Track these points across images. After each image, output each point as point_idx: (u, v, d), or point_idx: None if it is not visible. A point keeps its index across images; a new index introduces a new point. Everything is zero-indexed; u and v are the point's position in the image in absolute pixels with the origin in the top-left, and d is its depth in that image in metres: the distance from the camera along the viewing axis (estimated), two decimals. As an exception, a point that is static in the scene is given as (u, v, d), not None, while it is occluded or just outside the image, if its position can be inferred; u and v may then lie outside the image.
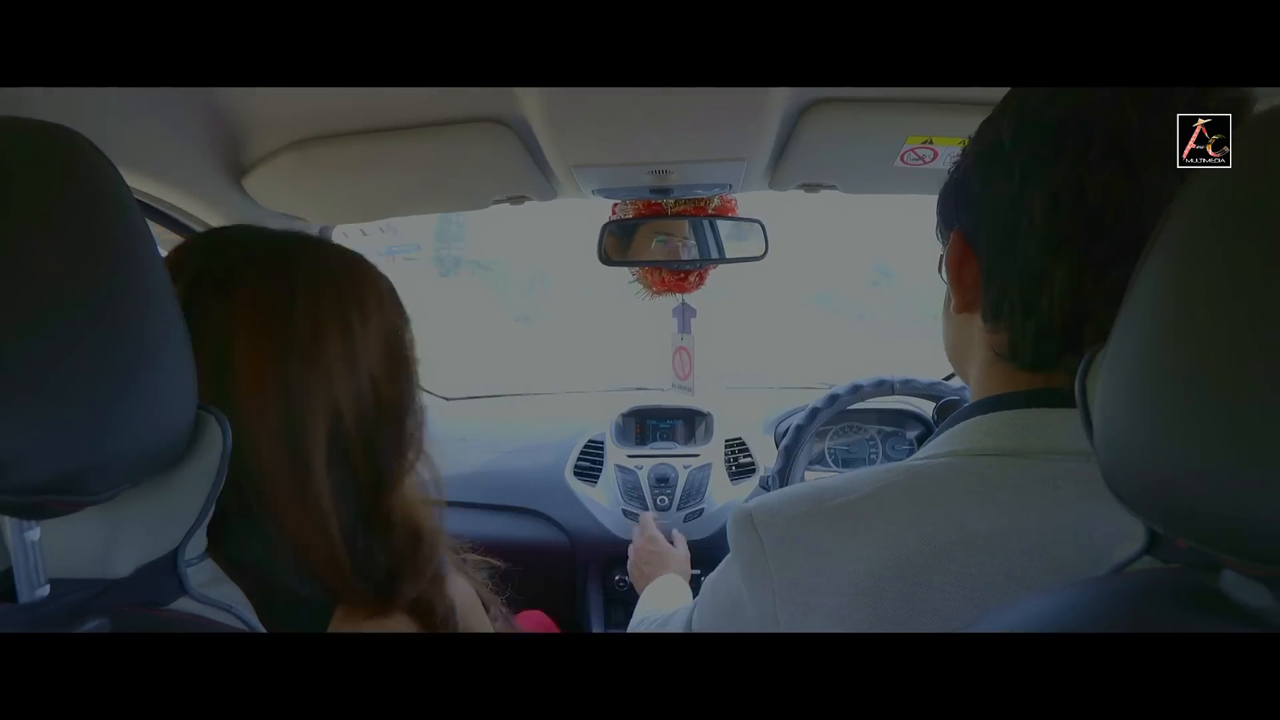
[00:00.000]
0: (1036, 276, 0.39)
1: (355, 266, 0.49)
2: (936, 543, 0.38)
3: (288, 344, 0.43)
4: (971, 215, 0.44)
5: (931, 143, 0.82)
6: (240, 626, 0.39)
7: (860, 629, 0.38)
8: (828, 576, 0.40)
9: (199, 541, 0.39)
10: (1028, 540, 0.37)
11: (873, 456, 1.43)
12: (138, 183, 0.81)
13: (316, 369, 0.44)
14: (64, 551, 0.34)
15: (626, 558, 1.27)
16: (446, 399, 1.72)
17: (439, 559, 0.50)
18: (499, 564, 0.65)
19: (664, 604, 0.87)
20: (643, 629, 0.74)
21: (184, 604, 0.37)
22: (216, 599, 0.39)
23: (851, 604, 0.39)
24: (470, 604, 0.53)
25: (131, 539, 0.36)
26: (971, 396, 0.47)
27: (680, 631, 0.57)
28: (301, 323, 0.44)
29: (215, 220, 0.90)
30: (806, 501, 0.43)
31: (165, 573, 0.37)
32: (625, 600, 1.30)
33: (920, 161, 0.85)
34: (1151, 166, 0.36)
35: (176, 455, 0.36)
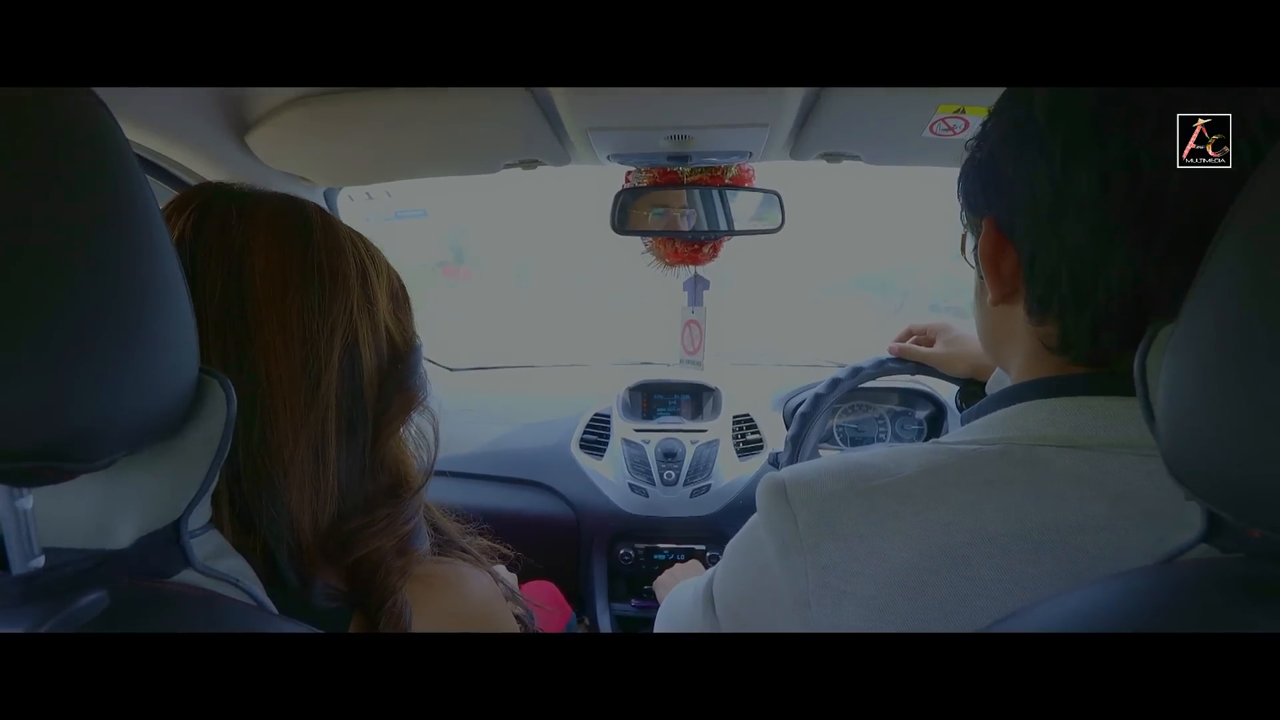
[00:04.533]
0: (1090, 266, 0.36)
1: (359, 233, 0.49)
2: (990, 535, 0.36)
3: (309, 262, 0.43)
4: (1005, 201, 0.40)
5: (964, 112, 0.78)
6: (246, 601, 0.37)
7: (900, 621, 0.36)
8: (866, 563, 0.38)
9: (203, 511, 0.38)
10: (1093, 539, 0.35)
11: (881, 435, 1.41)
12: (139, 137, 0.78)
13: (336, 292, 0.44)
14: (60, 520, 0.33)
15: (631, 532, 1.27)
16: (450, 369, 1.70)
17: (416, 527, 0.49)
18: (508, 551, 0.65)
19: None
20: (671, 603, 0.72)
21: (187, 576, 0.36)
22: (223, 572, 0.37)
23: (892, 594, 0.37)
24: (489, 598, 0.51)
25: (131, 508, 0.34)
26: (1014, 381, 0.44)
27: (701, 595, 0.54)
28: (320, 246, 0.44)
29: (220, 178, 0.87)
30: (844, 479, 0.40)
31: (167, 544, 0.35)
32: (628, 574, 1.30)
33: (950, 132, 0.81)
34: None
35: (177, 421, 0.34)
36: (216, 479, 0.37)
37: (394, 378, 0.48)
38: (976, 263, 0.45)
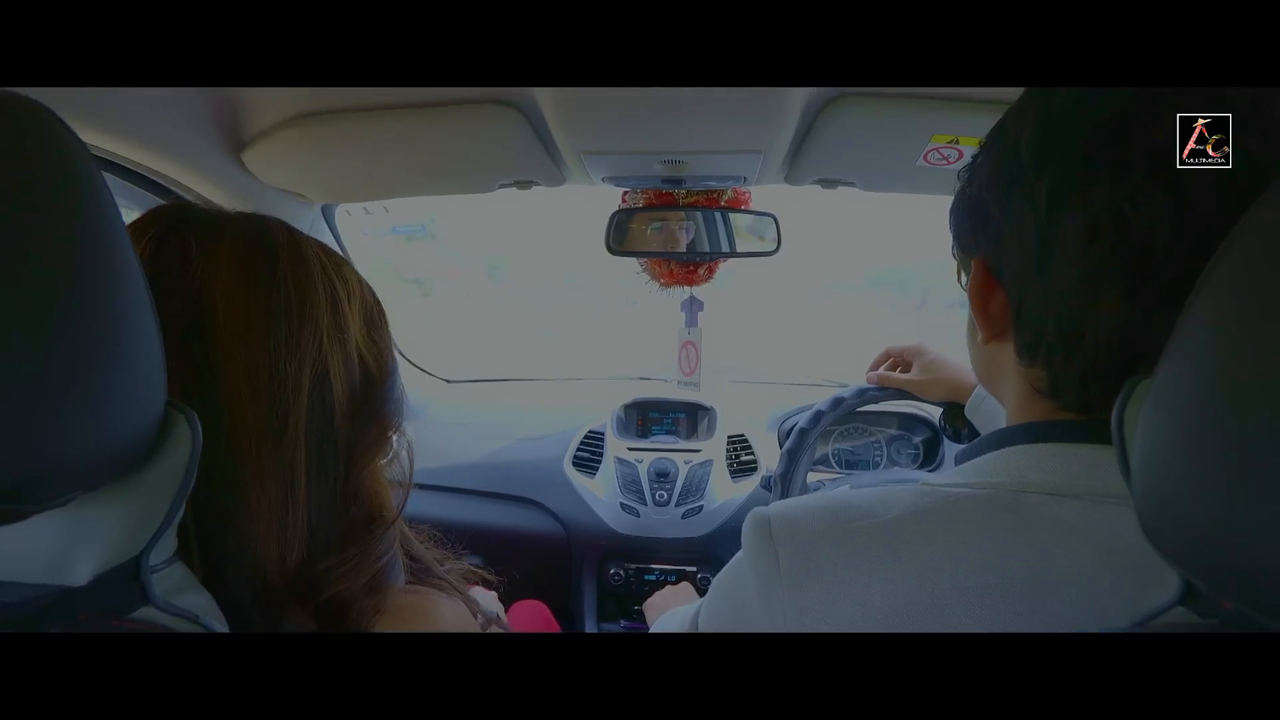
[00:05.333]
0: (1078, 315, 0.35)
1: (332, 252, 0.47)
2: (970, 585, 0.35)
3: (274, 296, 0.41)
4: (993, 243, 0.39)
5: (957, 143, 0.78)
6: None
7: None
8: (844, 607, 0.37)
9: (167, 545, 0.37)
10: (1077, 593, 0.34)
11: (877, 459, 1.40)
12: (132, 152, 0.78)
13: (304, 325, 0.42)
14: (15, 554, 0.32)
15: (622, 551, 1.26)
16: (448, 381, 1.70)
17: (390, 561, 0.47)
18: (489, 576, 0.63)
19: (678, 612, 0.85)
20: (663, 626, 0.72)
21: (146, 613, 0.35)
22: (183, 608, 0.36)
23: None
24: (461, 627, 0.50)
25: (90, 544, 0.33)
26: (1008, 422, 0.43)
27: (687, 626, 0.54)
28: (287, 277, 0.42)
29: (213, 195, 0.87)
30: (830, 519, 0.40)
31: (127, 580, 0.35)
32: (619, 594, 1.29)
33: (944, 161, 0.81)
34: (1203, 190, 0.31)
35: (139, 457, 0.34)
36: (181, 513, 0.36)
37: (368, 407, 0.46)
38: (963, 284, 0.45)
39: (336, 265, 0.47)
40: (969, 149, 0.78)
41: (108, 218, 0.29)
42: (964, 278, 0.46)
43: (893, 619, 0.36)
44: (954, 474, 0.42)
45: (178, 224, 0.42)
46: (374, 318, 0.49)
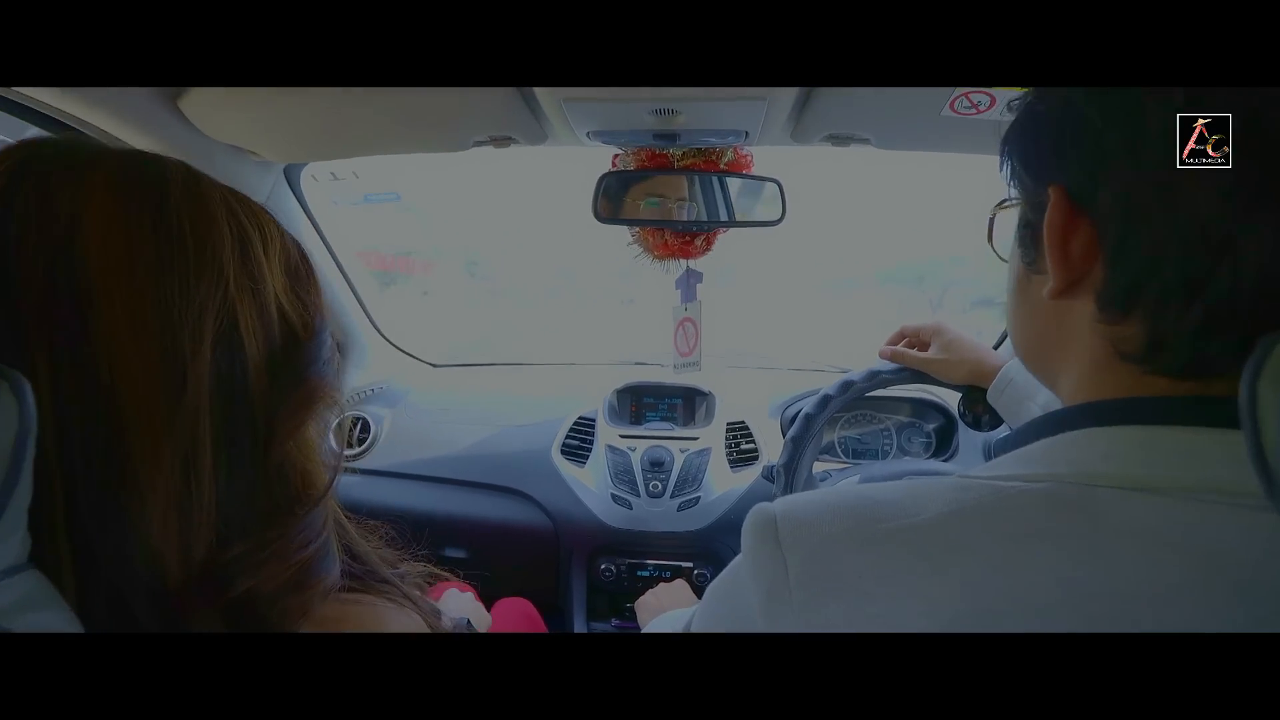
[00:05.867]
0: (1214, 245, 0.28)
1: (245, 197, 0.41)
2: (1029, 601, 0.28)
3: (162, 232, 0.35)
4: (1088, 159, 0.32)
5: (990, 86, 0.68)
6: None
7: None
8: (871, 628, 0.30)
9: (7, 549, 0.28)
10: (1164, 614, 0.26)
11: (886, 448, 1.32)
12: (53, 99, 0.69)
13: (204, 268, 0.36)
14: None
15: (614, 546, 1.18)
16: (433, 365, 1.62)
17: (319, 553, 0.41)
18: (448, 574, 0.56)
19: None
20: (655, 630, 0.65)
21: None
22: (18, 633, 0.28)
23: None
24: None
25: None
26: (1067, 401, 0.36)
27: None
28: (180, 212, 0.36)
29: (150, 149, 0.78)
30: (850, 519, 0.32)
31: None
32: (610, 591, 1.21)
33: (973, 110, 0.72)
34: None
35: None
36: (21, 506, 0.28)
37: (290, 368, 0.40)
38: (1018, 248, 0.38)
39: (249, 210, 0.40)
40: (1002, 94, 0.69)
41: None
42: (998, 231, 0.41)
43: None
44: (999, 464, 0.35)
45: (32, 158, 0.35)
46: (298, 271, 0.42)
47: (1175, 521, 0.28)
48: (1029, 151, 0.36)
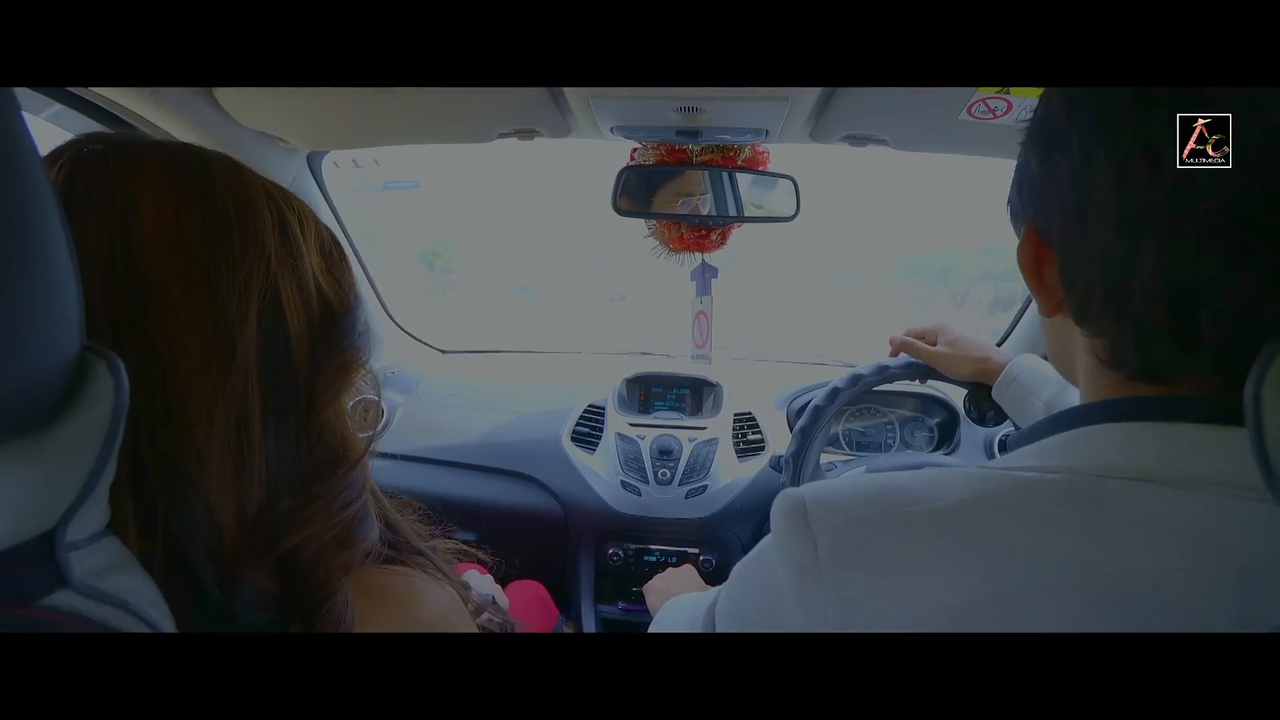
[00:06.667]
0: (1119, 268, 0.32)
1: (280, 186, 0.43)
2: (1047, 582, 0.30)
3: (210, 211, 0.38)
4: (1037, 204, 0.37)
5: (1007, 93, 0.70)
6: (138, 629, 0.30)
7: None
8: (896, 602, 0.32)
9: (94, 517, 0.31)
10: (1172, 596, 0.29)
11: (889, 441, 1.35)
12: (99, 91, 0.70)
13: (248, 245, 0.39)
14: None
15: (622, 531, 1.21)
16: (443, 351, 1.63)
17: (359, 514, 0.43)
18: (478, 552, 0.58)
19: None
20: (665, 620, 0.67)
21: (62, 599, 0.29)
22: (109, 592, 0.30)
23: None
24: (445, 615, 0.46)
25: None
26: (1081, 401, 0.39)
27: (701, 618, 0.50)
28: (224, 193, 0.39)
29: (183, 134, 0.80)
30: (875, 503, 0.35)
31: (37, 560, 0.28)
32: (617, 575, 1.24)
33: (991, 115, 0.74)
34: (1248, 111, 0.29)
35: (49, 410, 0.28)
36: (109, 479, 0.30)
37: (328, 340, 0.42)
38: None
39: (286, 197, 0.43)
40: (1020, 100, 0.71)
41: (14, 140, 0.24)
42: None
43: (959, 620, 0.31)
44: (1017, 456, 0.38)
45: (95, 144, 0.38)
46: (332, 254, 0.45)
47: (1182, 511, 0.30)
48: (1011, 196, 0.41)
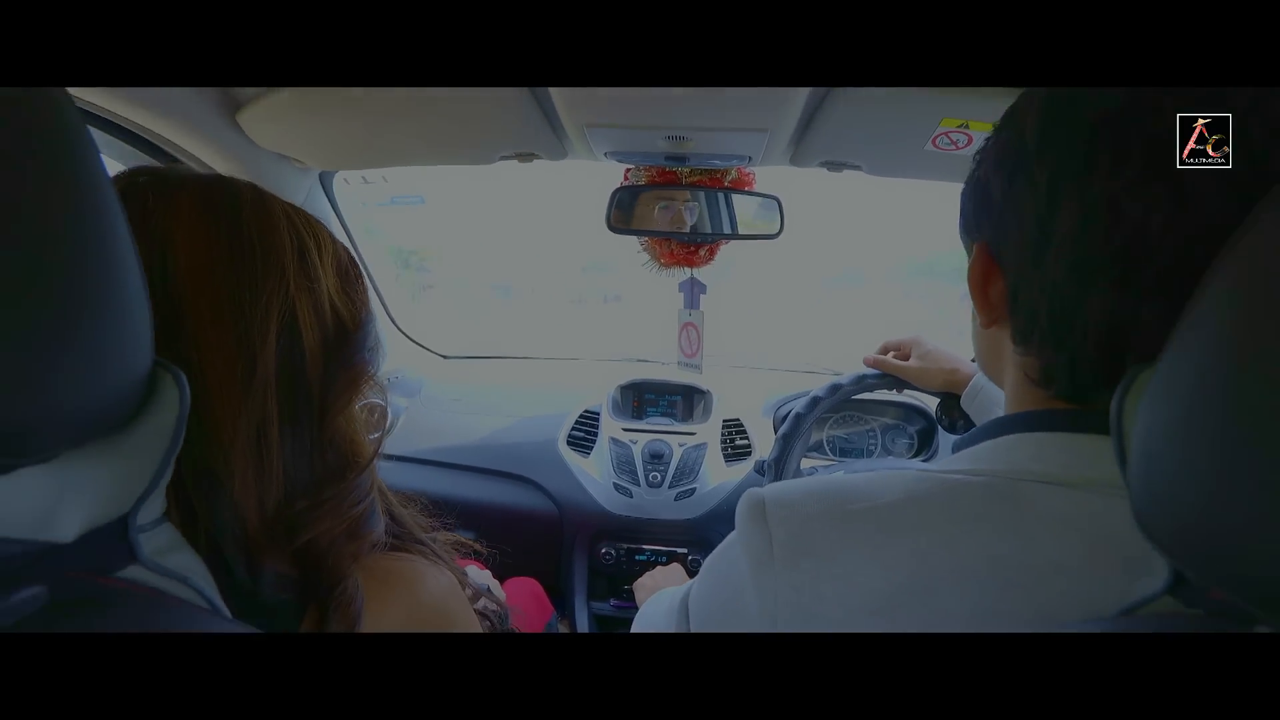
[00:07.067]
0: (1068, 304, 0.35)
1: (303, 211, 0.48)
2: (965, 568, 0.35)
3: (237, 243, 0.42)
4: (994, 226, 0.39)
5: (967, 127, 0.77)
6: (195, 599, 0.36)
7: None
8: (837, 586, 0.37)
9: (155, 505, 0.37)
10: (1067, 581, 0.34)
11: (871, 448, 1.40)
12: (119, 107, 0.76)
13: (269, 272, 0.43)
14: (2, 508, 0.31)
15: (614, 531, 1.27)
16: (444, 356, 1.69)
17: (367, 510, 0.48)
18: (476, 546, 0.63)
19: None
20: (648, 611, 0.72)
21: (134, 572, 0.35)
22: (171, 568, 0.36)
23: (860, 620, 0.36)
24: (446, 597, 0.50)
25: (77, 501, 0.33)
26: (1005, 409, 0.43)
27: (676, 608, 0.54)
28: (250, 226, 0.43)
29: (205, 155, 0.86)
30: (825, 501, 0.40)
31: (114, 539, 0.34)
32: (609, 573, 1.29)
33: (953, 146, 0.80)
34: (1202, 186, 0.31)
35: (128, 414, 0.33)
36: (170, 473, 0.36)
37: (340, 354, 0.47)
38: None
39: (305, 220, 0.47)
40: (979, 134, 0.77)
41: (94, 172, 0.28)
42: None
43: (885, 601, 0.36)
44: (952, 461, 0.42)
45: (136, 179, 0.42)
46: (348, 273, 0.50)
47: (1082, 509, 0.34)
48: (966, 210, 0.43)
